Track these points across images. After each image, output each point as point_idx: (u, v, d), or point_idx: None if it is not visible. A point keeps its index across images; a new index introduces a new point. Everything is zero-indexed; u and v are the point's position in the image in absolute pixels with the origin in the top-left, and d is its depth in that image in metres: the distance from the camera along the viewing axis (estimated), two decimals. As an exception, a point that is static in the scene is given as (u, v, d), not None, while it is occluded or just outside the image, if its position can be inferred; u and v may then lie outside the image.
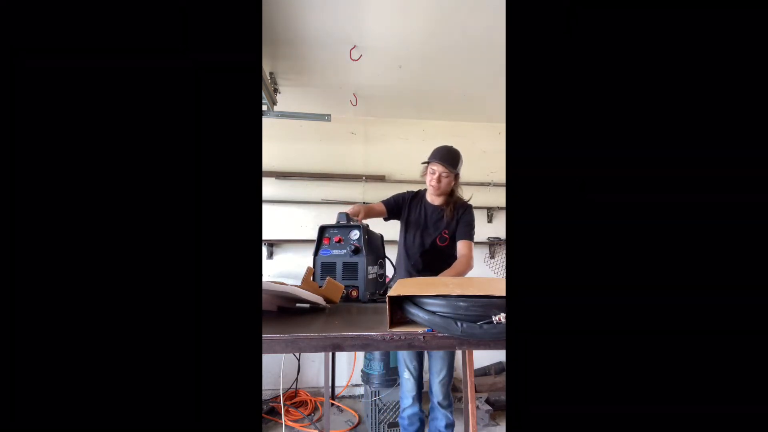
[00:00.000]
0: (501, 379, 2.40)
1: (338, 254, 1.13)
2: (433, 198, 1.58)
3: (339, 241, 1.15)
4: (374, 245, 1.24)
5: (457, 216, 1.52)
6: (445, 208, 1.54)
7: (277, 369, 2.21)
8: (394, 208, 1.59)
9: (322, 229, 1.19)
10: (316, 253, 1.15)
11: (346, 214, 1.25)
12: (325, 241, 1.17)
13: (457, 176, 1.52)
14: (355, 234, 1.16)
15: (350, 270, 1.12)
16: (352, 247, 1.11)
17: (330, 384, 2.28)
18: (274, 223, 2.53)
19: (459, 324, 0.60)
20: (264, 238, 2.54)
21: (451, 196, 1.57)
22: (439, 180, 1.48)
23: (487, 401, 2.20)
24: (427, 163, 1.52)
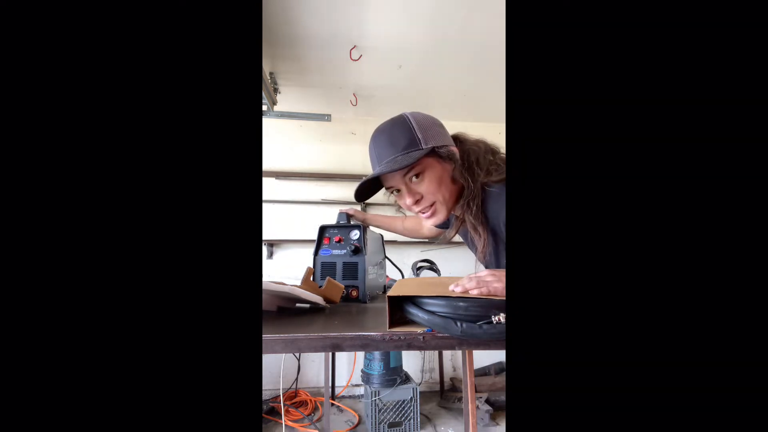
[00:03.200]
0: (501, 379, 2.40)
1: (338, 254, 1.12)
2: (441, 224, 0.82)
3: (339, 241, 1.14)
4: (375, 245, 1.24)
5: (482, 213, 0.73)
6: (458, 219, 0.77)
7: (277, 369, 2.21)
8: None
9: (323, 229, 1.18)
10: (316, 253, 1.14)
11: (347, 214, 1.21)
12: (325, 241, 1.15)
13: (440, 155, 0.70)
14: (356, 234, 1.15)
15: (350, 270, 1.10)
16: (353, 247, 1.10)
17: (330, 384, 2.28)
18: (274, 223, 2.53)
19: (458, 324, 0.60)
20: (264, 238, 2.54)
21: (461, 192, 0.74)
22: (415, 200, 0.73)
23: (487, 401, 2.20)
24: (373, 183, 0.76)
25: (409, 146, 0.70)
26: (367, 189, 0.78)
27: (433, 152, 0.71)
